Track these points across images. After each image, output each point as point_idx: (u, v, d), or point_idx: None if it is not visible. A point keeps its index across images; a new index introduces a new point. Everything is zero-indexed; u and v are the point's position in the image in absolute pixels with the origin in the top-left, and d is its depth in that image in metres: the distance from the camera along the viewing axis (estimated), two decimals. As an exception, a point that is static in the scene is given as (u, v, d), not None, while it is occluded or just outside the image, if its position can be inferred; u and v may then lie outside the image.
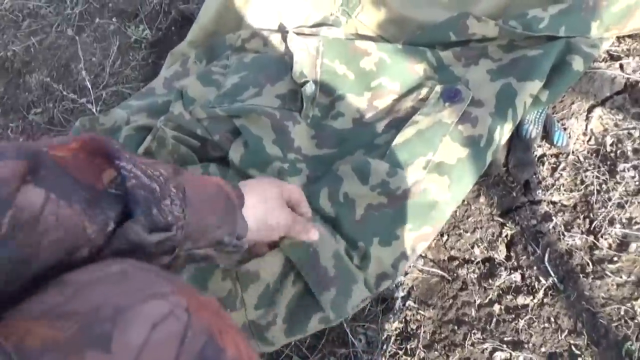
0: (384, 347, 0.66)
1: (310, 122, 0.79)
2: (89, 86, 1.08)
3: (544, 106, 0.74)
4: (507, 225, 0.71)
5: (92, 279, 0.31)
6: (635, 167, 0.70)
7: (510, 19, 0.77)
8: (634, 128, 0.74)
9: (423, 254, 0.71)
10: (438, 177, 0.67)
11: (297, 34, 0.86)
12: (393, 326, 0.68)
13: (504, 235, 0.70)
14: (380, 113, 0.79)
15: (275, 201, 0.57)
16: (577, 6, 0.74)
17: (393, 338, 0.67)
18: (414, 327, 0.67)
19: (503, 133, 0.70)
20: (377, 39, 0.90)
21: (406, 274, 0.71)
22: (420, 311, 0.68)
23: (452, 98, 0.73)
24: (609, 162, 0.72)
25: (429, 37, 0.82)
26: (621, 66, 0.79)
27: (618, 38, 0.80)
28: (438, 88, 0.75)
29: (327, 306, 0.63)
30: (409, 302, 0.69)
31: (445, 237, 0.72)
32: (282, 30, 0.92)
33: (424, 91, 0.78)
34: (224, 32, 0.96)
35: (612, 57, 0.80)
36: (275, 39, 0.90)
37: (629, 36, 0.80)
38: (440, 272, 0.70)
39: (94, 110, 1.05)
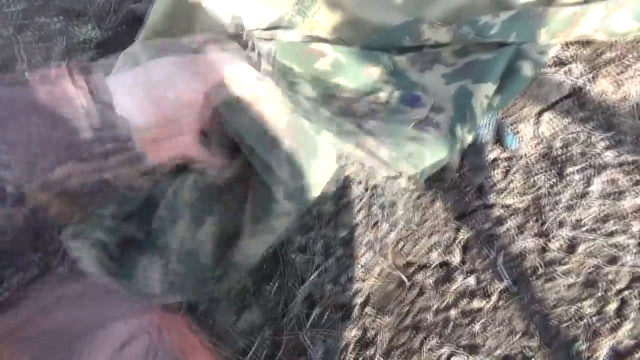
0: (343, 355, 0.66)
1: None
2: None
3: (495, 111, 0.75)
4: (462, 229, 0.71)
5: (52, 301, 0.29)
6: (582, 170, 0.72)
7: (463, 25, 0.78)
8: (581, 131, 0.76)
9: (382, 260, 0.71)
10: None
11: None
12: (352, 333, 0.68)
13: (459, 239, 0.71)
14: (337, 111, 0.79)
15: (176, 67, 0.38)
16: (526, 13, 0.76)
17: (352, 346, 0.67)
18: (372, 334, 0.67)
19: (464, 134, 0.71)
20: (333, 41, 0.90)
21: (364, 280, 0.70)
22: (378, 318, 0.68)
23: (413, 103, 0.74)
24: (558, 165, 0.74)
25: (384, 41, 0.83)
26: (568, 71, 0.81)
27: (565, 44, 0.82)
28: (396, 93, 0.76)
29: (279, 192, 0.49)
30: (367, 309, 0.69)
31: (403, 242, 0.72)
32: (237, 33, 0.90)
33: (382, 95, 0.78)
34: (175, 32, 0.93)
35: (560, 63, 0.82)
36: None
37: (575, 42, 0.82)
38: (398, 278, 0.70)
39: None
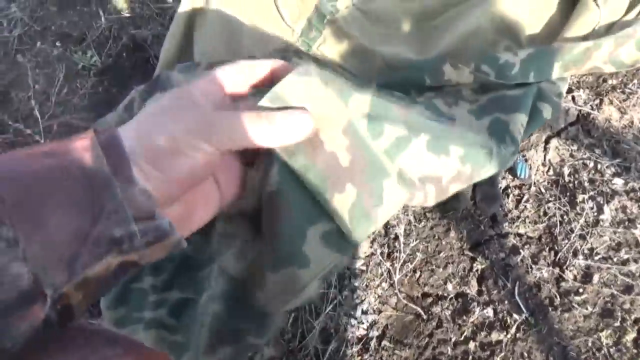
0: (364, 391, 0.65)
1: None
2: (38, 115, 1.01)
3: None
4: (478, 259, 0.72)
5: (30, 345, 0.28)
6: (592, 198, 0.73)
7: (482, 64, 0.78)
8: (588, 158, 0.77)
9: (398, 291, 0.71)
10: None
11: None
12: (370, 368, 0.67)
13: (474, 269, 0.71)
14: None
15: (166, 107, 0.34)
16: (544, 51, 0.77)
17: (372, 381, 0.67)
18: (392, 368, 0.67)
19: (507, 154, 0.67)
20: (340, 71, 0.90)
21: (380, 312, 0.70)
22: (396, 351, 0.68)
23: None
24: (568, 193, 0.75)
25: (403, 77, 0.82)
26: (573, 98, 0.82)
27: (570, 71, 0.84)
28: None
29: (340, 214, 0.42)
30: (385, 342, 0.69)
31: (418, 273, 0.72)
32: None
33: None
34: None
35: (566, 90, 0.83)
36: None
37: (580, 70, 0.84)
38: (415, 310, 0.70)
39: (41, 142, 0.99)
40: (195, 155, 0.33)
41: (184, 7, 0.91)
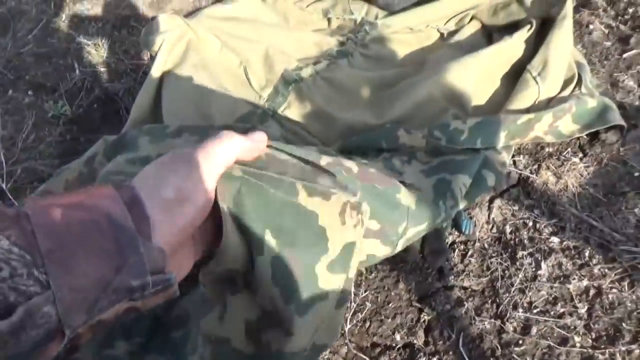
0: None
1: None
2: (3, 160, 1.02)
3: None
4: (425, 310, 0.75)
5: None
6: (531, 255, 0.78)
7: (434, 129, 0.84)
8: (528, 218, 0.83)
9: (349, 341, 0.73)
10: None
11: None
12: (318, 418, 0.67)
13: (422, 320, 0.74)
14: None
15: (171, 159, 0.39)
16: (491, 120, 0.85)
17: None
18: (340, 418, 0.67)
19: (447, 209, 0.73)
20: (304, 135, 0.95)
21: (331, 362, 0.71)
22: (345, 401, 0.69)
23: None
24: (509, 250, 0.80)
25: (362, 142, 0.88)
26: (514, 163, 0.90)
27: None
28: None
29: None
30: (334, 392, 0.69)
31: (368, 323, 0.75)
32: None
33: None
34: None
35: (507, 155, 0.91)
36: None
37: (520, 137, 0.92)
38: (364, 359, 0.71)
39: (4, 186, 0.99)
40: (199, 198, 0.38)
41: (157, 66, 0.97)
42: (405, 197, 0.65)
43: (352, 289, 0.77)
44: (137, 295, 0.33)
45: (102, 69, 1.17)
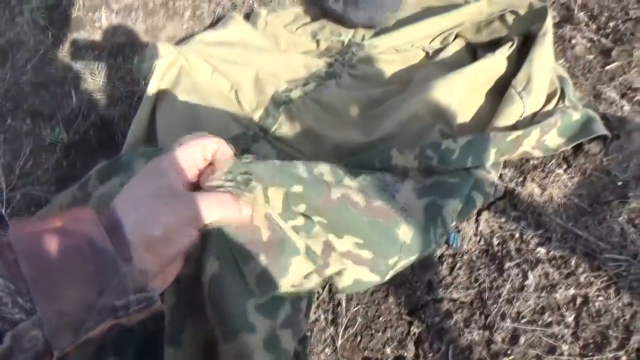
0: None
1: None
2: (3, 186, 1.04)
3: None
4: (415, 323, 0.76)
5: None
6: (518, 265, 0.80)
7: (426, 148, 0.87)
8: (515, 229, 0.84)
9: (341, 356, 0.74)
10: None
11: None
12: None
13: (412, 333, 0.75)
14: None
15: (154, 194, 0.39)
16: (481, 138, 0.87)
17: None
18: None
19: (437, 237, 0.75)
20: (295, 154, 0.98)
21: (323, 377, 0.72)
22: (337, 416, 0.69)
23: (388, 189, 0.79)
24: (497, 261, 0.81)
25: (356, 163, 0.90)
26: (500, 176, 0.92)
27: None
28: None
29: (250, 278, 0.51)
30: (326, 407, 0.70)
31: (359, 337, 0.76)
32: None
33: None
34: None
35: (493, 168, 0.92)
36: None
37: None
38: (355, 374, 0.72)
39: (3, 212, 1.01)
40: (184, 240, 0.39)
41: (150, 92, 1.00)
42: (404, 233, 0.68)
43: (344, 304, 0.78)
44: (121, 313, 0.34)
45: (98, 96, 1.21)
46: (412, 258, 0.70)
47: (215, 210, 0.42)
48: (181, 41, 1.29)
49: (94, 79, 1.23)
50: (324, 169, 0.63)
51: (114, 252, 0.34)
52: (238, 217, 0.45)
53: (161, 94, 1.01)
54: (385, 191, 0.79)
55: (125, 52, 1.29)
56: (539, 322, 0.73)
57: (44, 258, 0.32)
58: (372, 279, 0.64)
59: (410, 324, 0.76)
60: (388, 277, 0.67)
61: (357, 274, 0.63)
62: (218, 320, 0.48)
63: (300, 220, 0.56)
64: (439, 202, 0.79)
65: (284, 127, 1.01)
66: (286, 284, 0.52)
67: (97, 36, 1.34)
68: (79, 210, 0.36)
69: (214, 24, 1.33)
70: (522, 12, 1.04)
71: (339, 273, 0.62)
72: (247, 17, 1.28)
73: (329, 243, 0.60)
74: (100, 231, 0.35)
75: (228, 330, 0.49)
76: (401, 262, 0.68)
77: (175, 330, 0.51)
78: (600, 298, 0.74)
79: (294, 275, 0.53)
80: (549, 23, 1.00)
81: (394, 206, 0.73)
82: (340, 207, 0.60)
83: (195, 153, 0.44)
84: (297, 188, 0.55)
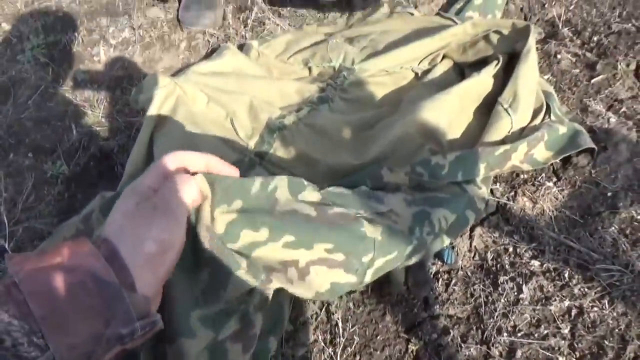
0: None
1: None
2: (5, 221, 1.06)
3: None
4: (412, 340, 0.77)
5: None
6: (512, 279, 0.81)
7: (416, 165, 0.89)
8: (508, 243, 0.86)
9: (338, 376, 0.74)
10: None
11: None
12: None
13: (410, 350, 0.76)
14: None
15: (138, 213, 0.41)
16: (470, 153, 0.89)
17: None
18: None
19: (423, 235, 0.77)
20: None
21: (323, 398, 0.73)
22: None
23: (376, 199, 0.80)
24: (491, 276, 0.82)
25: (348, 184, 0.92)
26: (492, 191, 0.93)
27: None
28: (362, 188, 0.84)
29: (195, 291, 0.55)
30: None
31: (358, 357, 0.76)
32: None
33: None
34: None
35: (484, 184, 0.94)
36: None
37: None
38: (355, 394, 0.73)
39: (6, 246, 1.03)
40: (177, 243, 0.42)
41: (147, 123, 1.03)
42: (370, 230, 0.69)
43: (341, 324, 0.79)
44: (127, 340, 0.36)
45: (98, 128, 1.24)
46: (392, 256, 0.71)
47: (187, 190, 0.45)
48: (178, 72, 1.33)
49: (94, 112, 1.27)
50: (280, 183, 0.65)
51: (117, 283, 0.36)
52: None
53: (159, 125, 1.04)
54: (370, 197, 0.81)
55: (123, 84, 1.33)
56: (536, 335, 0.74)
57: (52, 297, 0.34)
58: (348, 279, 0.66)
59: (408, 341, 0.77)
60: (368, 277, 0.69)
61: (333, 277, 0.65)
62: (166, 322, 0.51)
63: (244, 241, 0.58)
64: (427, 209, 0.81)
65: (279, 153, 1.04)
66: (228, 296, 0.56)
67: (96, 70, 1.38)
68: (77, 243, 0.38)
69: (208, 55, 1.37)
70: (505, 31, 1.07)
71: (310, 282, 0.64)
72: (240, 48, 1.31)
73: (288, 262, 0.62)
74: (101, 263, 0.36)
75: (171, 333, 0.53)
76: (378, 260, 0.69)
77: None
78: (595, 309, 0.75)
79: (236, 289, 0.57)
80: (532, 41, 1.03)
81: (369, 210, 0.75)
82: (296, 220, 0.62)
83: (175, 165, 0.47)
84: (237, 204, 0.57)
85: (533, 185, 0.93)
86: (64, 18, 1.54)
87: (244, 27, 1.42)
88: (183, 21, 1.46)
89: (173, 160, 0.47)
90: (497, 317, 0.77)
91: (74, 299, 0.34)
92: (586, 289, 0.77)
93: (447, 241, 0.82)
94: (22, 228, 1.07)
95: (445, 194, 0.86)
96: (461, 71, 1.17)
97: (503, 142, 0.95)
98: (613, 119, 0.99)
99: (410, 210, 0.82)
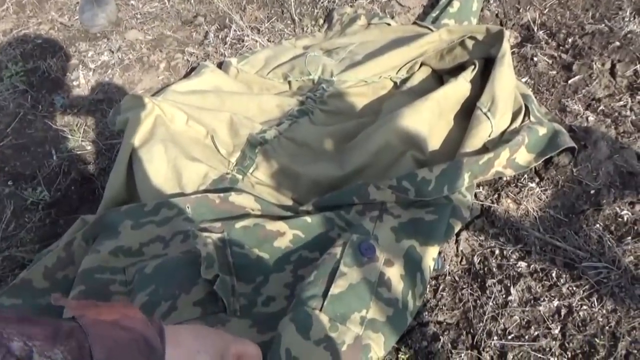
0: None
1: (242, 314, 0.78)
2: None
3: None
4: (402, 349, 0.75)
5: None
6: (500, 282, 0.80)
7: (402, 180, 0.88)
8: (495, 246, 0.85)
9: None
10: (373, 334, 0.70)
11: (201, 229, 0.85)
12: None
13: (400, 359, 0.74)
14: (307, 275, 0.79)
15: (208, 356, 0.48)
16: (455, 165, 0.88)
17: None
18: None
19: (415, 296, 0.77)
20: (274, 194, 0.99)
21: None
22: None
23: (368, 252, 0.78)
24: (479, 279, 0.81)
25: (335, 201, 0.92)
26: (475, 195, 0.93)
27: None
28: (354, 237, 0.80)
29: None
30: None
31: (348, 369, 0.75)
32: (183, 210, 0.93)
33: (339, 242, 0.82)
34: (134, 199, 1.00)
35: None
36: (176, 241, 0.90)
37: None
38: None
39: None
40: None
41: (125, 144, 1.02)
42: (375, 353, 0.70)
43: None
44: None
45: (79, 152, 1.22)
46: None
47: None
48: (158, 92, 1.32)
49: (74, 136, 1.25)
50: None
51: (162, 351, 0.43)
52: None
53: (138, 146, 1.03)
54: (362, 234, 0.81)
55: (103, 107, 1.32)
56: (526, 337, 0.73)
57: (113, 345, 0.39)
58: None
59: (397, 350, 0.75)
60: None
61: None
62: None
63: None
64: (417, 250, 0.79)
65: (262, 168, 1.03)
66: None
67: (75, 95, 1.37)
68: (128, 307, 0.44)
69: (188, 74, 1.37)
70: (480, 37, 1.08)
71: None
72: (219, 66, 1.31)
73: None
74: (152, 332, 0.43)
75: None
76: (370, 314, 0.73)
77: None
78: (584, 307, 0.74)
79: None
80: (506, 45, 1.04)
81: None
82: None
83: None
84: None
85: (516, 186, 0.93)
86: (43, 45, 1.54)
87: (223, 44, 1.43)
88: (82, 23, 1.54)
89: None
90: (486, 320, 0.75)
91: (129, 351, 0.40)
92: (574, 288, 0.77)
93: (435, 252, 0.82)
94: (2, 257, 1.05)
95: (432, 215, 0.85)
96: (439, 78, 1.18)
97: (485, 148, 0.95)
98: (591, 118, 1.00)
99: (401, 249, 0.79)
